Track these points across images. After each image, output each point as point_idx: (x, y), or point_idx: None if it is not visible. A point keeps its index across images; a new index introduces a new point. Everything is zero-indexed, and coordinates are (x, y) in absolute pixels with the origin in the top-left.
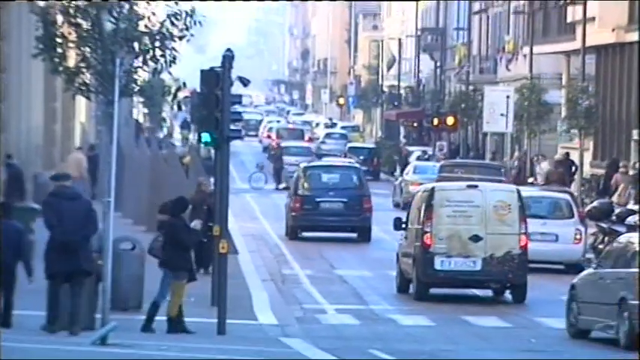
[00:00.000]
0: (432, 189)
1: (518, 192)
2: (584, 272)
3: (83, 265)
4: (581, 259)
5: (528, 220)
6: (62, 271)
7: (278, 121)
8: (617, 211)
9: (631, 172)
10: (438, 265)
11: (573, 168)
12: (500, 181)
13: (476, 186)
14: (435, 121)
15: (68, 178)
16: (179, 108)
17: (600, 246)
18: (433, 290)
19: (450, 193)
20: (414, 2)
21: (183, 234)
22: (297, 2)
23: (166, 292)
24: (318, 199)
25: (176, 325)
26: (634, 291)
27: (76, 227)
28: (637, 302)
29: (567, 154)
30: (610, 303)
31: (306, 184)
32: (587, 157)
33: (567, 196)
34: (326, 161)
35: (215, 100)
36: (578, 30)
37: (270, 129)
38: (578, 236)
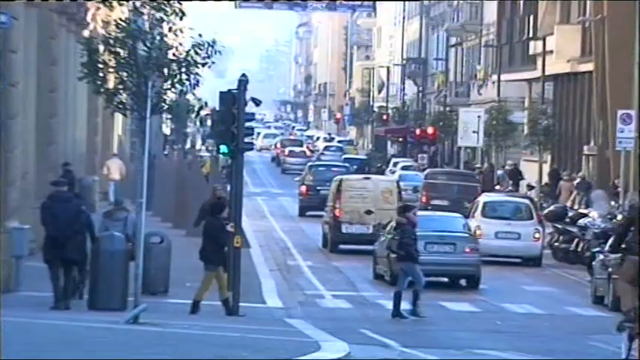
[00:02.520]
0: (340, 180)
1: (398, 183)
2: None
3: (72, 254)
4: (539, 255)
5: (495, 221)
6: (55, 258)
7: (274, 135)
8: (570, 214)
9: (576, 181)
10: (343, 230)
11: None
12: (475, 186)
13: (369, 177)
14: (418, 131)
15: (64, 185)
16: (201, 124)
17: (556, 244)
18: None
19: (351, 182)
20: (401, 36)
21: (219, 232)
22: (302, 35)
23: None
24: (319, 188)
25: (226, 307)
26: None
27: (66, 224)
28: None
29: (515, 164)
30: None
31: (310, 177)
32: (546, 168)
33: (528, 201)
34: (325, 161)
35: (232, 117)
36: (539, 61)
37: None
38: (537, 235)
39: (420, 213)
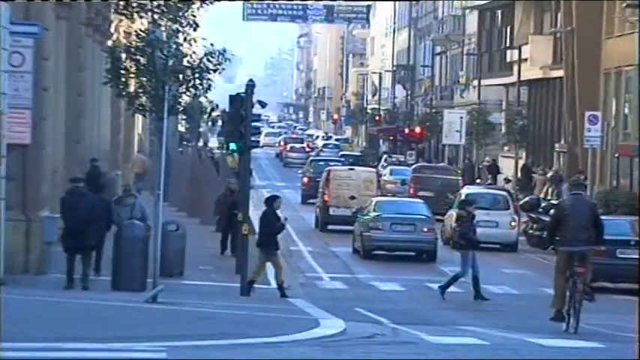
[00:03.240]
0: (329, 171)
1: (378, 173)
2: None
3: (88, 242)
4: (515, 241)
5: (476, 211)
6: (73, 247)
7: (275, 133)
8: (543, 204)
9: (549, 175)
10: (331, 212)
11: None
12: (457, 179)
13: (353, 169)
14: (407, 131)
15: (81, 181)
16: (213, 124)
17: (530, 231)
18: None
19: (338, 172)
20: (391, 45)
21: (273, 222)
22: (303, 45)
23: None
24: (318, 179)
25: (281, 290)
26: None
27: (83, 216)
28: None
29: (494, 160)
30: None
31: (311, 170)
32: (521, 163)
33: (505, 193)
34: (324, 157)
35: (240, 118)
36: (515, 68)
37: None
38: (513, 223)
39: (387, 199)
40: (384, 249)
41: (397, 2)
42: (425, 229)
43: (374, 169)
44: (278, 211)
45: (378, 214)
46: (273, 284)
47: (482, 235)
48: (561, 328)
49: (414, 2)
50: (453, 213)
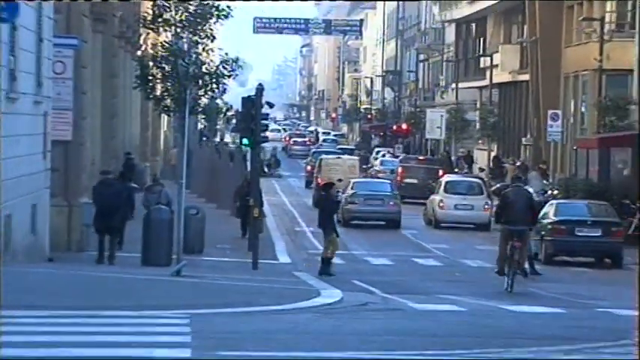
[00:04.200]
0: (321, 159)
1: (359, 160)
2: None
3: (114, 223)
4: (488, 222)
5: (454, 196)
6: (102, 228)
7: (278, 130)
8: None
9: (517, 164)
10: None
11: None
12: (437, 168)
13: (340, 157)
14: (395, 127)
15: (109, 173)
16: (228, 122)
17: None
18: None
19: (328, 160)
20: (381, 53)
21: (331, 205)
22: (305, 54)
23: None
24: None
25: (327, 265)
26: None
27: (110, 202)
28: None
29: (468, 151)
30: None
31: (313, 160)
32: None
33: (479, 180)
34: (324, 149)
35: (251, 117)
36: (487, 73)
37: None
38: (486, 207)
39: (362, 180)
40: (359, 219)
41: (386, 16)
42: (391, 203)
43: (357, 157)
44: (334, 193)
45: (354, 191)
46: (281, 260)
47: (461, 217)
48: (502, 287)
49: (400, 16)
50: (434, 197)
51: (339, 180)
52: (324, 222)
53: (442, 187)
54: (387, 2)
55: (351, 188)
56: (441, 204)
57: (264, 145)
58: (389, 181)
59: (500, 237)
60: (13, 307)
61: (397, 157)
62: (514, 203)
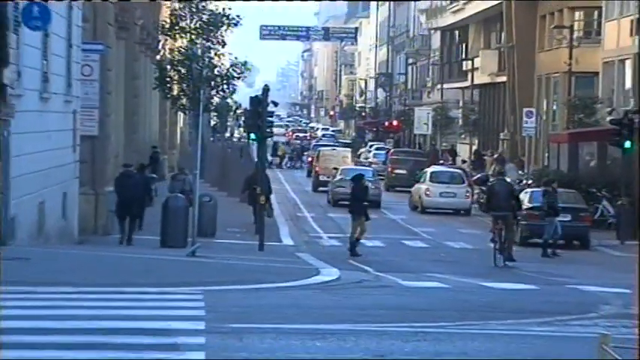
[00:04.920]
0: (319, 151)
1: (351, 152)
2: None
3: (134, 211)
4: (469, 208)
5: (439, 184)
6: (123, 214)
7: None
8: (491, 179)
9: (495, 156)
10: (321, 178)
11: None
12: (424, 160)
13: (335, 149)
14: (386, 124)
15: (130, 166)
16: (237, 119)
17: (481, 200)
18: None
19: (325, 151)
20: (374, 57)
21: (362, 194)
22: (306, 58)
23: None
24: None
25: (353, 247)
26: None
27: (130, 192)
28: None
29: (452, 145)
30: None
31: (314, 152)
32: (474, 148)
33: (460, 171)
34: (323, 142)
35: (258, 115)
36: (469, 75)
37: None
38: (467, 194)
39: (348, 167)
40: (345, 200)
41: (378, 24)
42: (373, 187)
43: (349, 149)
44: (365, 183)
45: (342, 177)
46: (285, 242)
47: (445, 203)
48: (482, 266)
49: (391, 24)
50: (421, 186)
51: (335, 169)
52: (354, 208)
53: (428, 177)
54: (379, 12)
55: (339, 174)
56: (427, 192)
57: (278, 140)
58: (371, 169)
59: (492, 222)
60: (46, 284)
61: (388, 150)
62: (498, 193)
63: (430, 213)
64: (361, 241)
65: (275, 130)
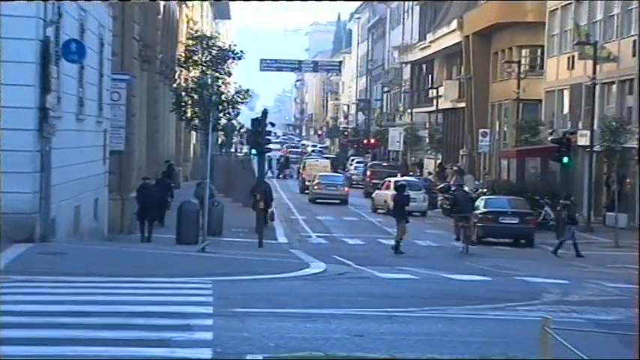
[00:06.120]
0: (305, 161)
1: (331, 162)
2: None
3: (151, 215)
4: (425, 210)
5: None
6: (142, 218)
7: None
8: (453, 188)
9: (455, 168)
10: (306, 183)
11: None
12: (396, 172)
13: (317, 160)
14: (365, 141)
15: (148, 179)
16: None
17: (445, 206)
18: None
19: (309, 161)
20: (355, 86)
21: (403, 200)
22: (299, 86)
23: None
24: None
25: (398, 246)
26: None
27: (148, 201)
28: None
29: (420, 160)
30: None
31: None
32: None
33: (418, 180)
34: (312, 157)
35: (258, 133)
36: (434, 101)
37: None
38: (424, 199)
39: (324, 174)
40: (321, 198)
41: (359, 58)
42: (343, 189)
43: (329, 161)
44: (406, 192)
45: (319, 181)
46: (280, 240)
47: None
48: (446, 260)
49: (369, 59)
50: (387, 192)
51: (319, 175)
52: (397, 212)
53: (392, 185)
54: (359, 48)
55: (317, 179)
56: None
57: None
58: (342, 175)
59: (454, 221)
60: (80, 274)
61: (366, 163)
62: (459, 201)
63: (416, 217)
64: (345, 239)
65: (272, 146)
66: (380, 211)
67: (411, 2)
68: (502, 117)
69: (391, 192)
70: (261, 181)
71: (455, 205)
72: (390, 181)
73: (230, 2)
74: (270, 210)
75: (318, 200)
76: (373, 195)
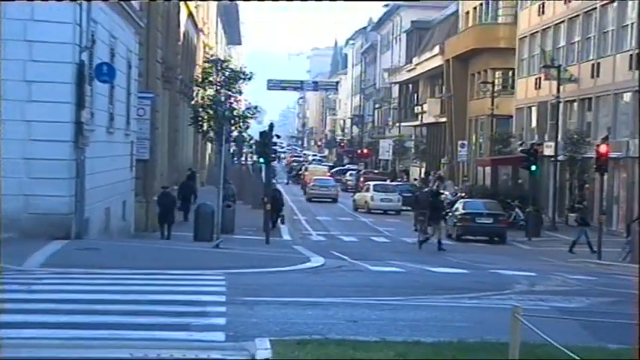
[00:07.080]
0: (306, 167)
1: (329, 168)
2: None
3: (170, 218)
4: (400, 209)
5: (380, 193)
6: (162, 220)
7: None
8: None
9: (436, 175)
10: (308, 189)
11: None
12: (385, 177)
13: (316, 166)
14: (359, 151)
15: (167, 188)
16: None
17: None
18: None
19: (311, 167)
20: (350, 103)
21: (440, 205)
22: (301, 103)
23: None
24: (315, 178)
25: (439, 244)
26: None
27: (167, 205)
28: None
29: (406, 168)
30: None
31: (307, 172)
32: (422, 170)
33: (392, 183)
34: (313, 165)
35: (265, 144)
36: (419, 116)
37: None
38: (398, 200)
39: (318, 177)
40: (316, 197)
41: (353, 79)
42: (333, 190)
43: (327, 167)
44: (443, 197)
45: (314, 183)
46: (285, 238)
47: (384, 206)
48: (427, 256)
49: (363, 79)
50: (366, 194)
51: (313, 179)
52: (434, 215)
53: (372, 188)
54: (354, 70)
55: (313, 182)
56: (372, 198)
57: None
58: (333, 178)
59: (414, 215)
60: (111, 267)
61: (359, 170)
62: (422, 201)
63: (391, 216)
64: (341, 237)
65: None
66: (360, 210)
67: (398, 30)
68: (478, 130)
69: (370, 194)
70: (269, 187)
71: (417, 202)
72: (369, 184)
73: (241, 29)
74: (281, 214)
75: (314, 199)
76: (355, 197)
